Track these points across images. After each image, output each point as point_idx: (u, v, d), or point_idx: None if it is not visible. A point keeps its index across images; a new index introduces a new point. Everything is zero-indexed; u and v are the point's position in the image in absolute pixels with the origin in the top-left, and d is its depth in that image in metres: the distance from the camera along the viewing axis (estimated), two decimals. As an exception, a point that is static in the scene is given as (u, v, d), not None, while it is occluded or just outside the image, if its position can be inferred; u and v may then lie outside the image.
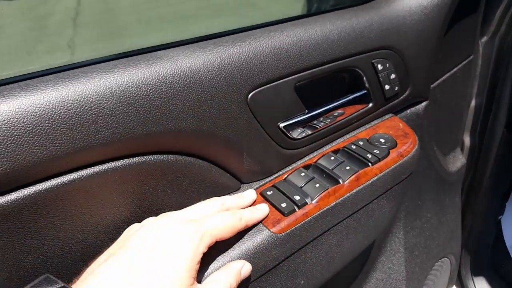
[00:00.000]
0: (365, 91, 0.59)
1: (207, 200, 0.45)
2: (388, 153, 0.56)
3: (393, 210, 0.62)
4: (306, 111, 0.54)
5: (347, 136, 0.61)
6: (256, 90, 0.47)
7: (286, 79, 0.50)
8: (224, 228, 0.40)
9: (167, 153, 0.43)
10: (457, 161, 0.86)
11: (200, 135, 0.44)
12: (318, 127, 0.56)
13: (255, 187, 0.52)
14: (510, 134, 0.92)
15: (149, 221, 0.41)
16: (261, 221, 0.46)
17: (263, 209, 0.47)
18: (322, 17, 0.55)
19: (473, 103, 0.92)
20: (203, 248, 0.38)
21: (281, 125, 0.52)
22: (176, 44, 0.46)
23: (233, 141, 0.47)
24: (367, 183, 0.53)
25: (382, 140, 0.58)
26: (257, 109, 0.48)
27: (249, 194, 0.49)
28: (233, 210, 0.44)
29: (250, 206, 0.48)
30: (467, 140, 0.96)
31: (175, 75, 0.42)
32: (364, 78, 0.58)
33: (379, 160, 0.55)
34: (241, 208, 0.46)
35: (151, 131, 0.40)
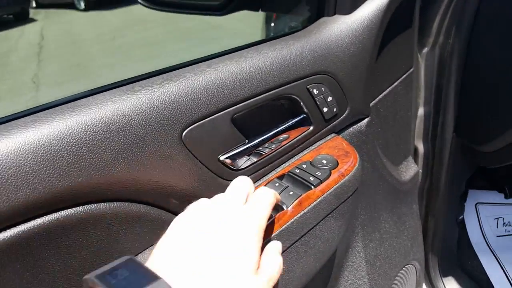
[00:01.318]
0: (304, 115, 0.61)
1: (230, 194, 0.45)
2: (330, 174, 0.58)
3: (343, 229, 0.64)
4: (246, 140, 0.56)
5: (292, 160, 0.62)
6: (191, 127, 0.49)
7: (222, 112, 0.51)
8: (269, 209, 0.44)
9: (98, 202, 0.43)
10: (410, 169, 0.89)
11: (132, 180, 0.44)
12: (264, 153, 0.58)
13: None
14: (459, 138, 0.96)
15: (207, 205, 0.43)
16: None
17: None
18: (255, 49, 0.57)
19: (421, 111, 0.96)
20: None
21: (222, 157, 0.53)
22: (103, 89, 0.47)
23: (170, 181, 0.48)
24: (310, 206, 0.54)
25: (324, 161, 0.60)
26: (194, 146, 0.49)
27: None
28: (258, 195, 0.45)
29: None
30: (420, 147, 1.00)
31: (99, 122, 0.42)
32: (302, 103, 0.60)
33: (321, 182, 0.56)
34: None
35: (76, 183, 0.41)
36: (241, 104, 0.53)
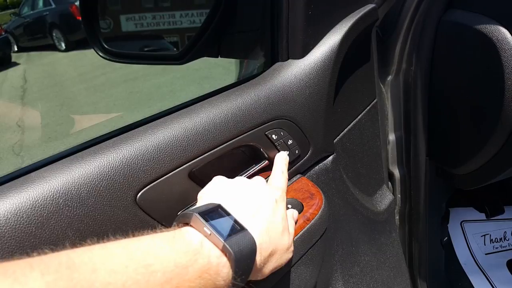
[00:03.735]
0: (267, 161, 0.61)
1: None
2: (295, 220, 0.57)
3: (315, 273, 0.62)
4: None
5: None
6: (145, 189, 0.48)
7: (177, 170, 0.51)
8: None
9: None
10: (385, 198, 0.89)
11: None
12: None
13: None
14: (432, 160, 0.96)
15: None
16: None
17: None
18: (207, 102, 0.57)
19: (393, 137, 0.96)
20: None
21: None
22: (51, 160, 0.46)
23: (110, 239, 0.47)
24: None
25: (289, 207, 0.59)
26: (150, 207, 0.48)
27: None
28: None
29: None
30: (396, 172, 0.99)
31: (47, 196, 0.41)
32: (262, 149, 0.60)
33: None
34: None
35: None
36: (197, 159, 0.52)
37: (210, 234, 0.39)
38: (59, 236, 0.41)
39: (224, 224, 0.41)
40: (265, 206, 0.47)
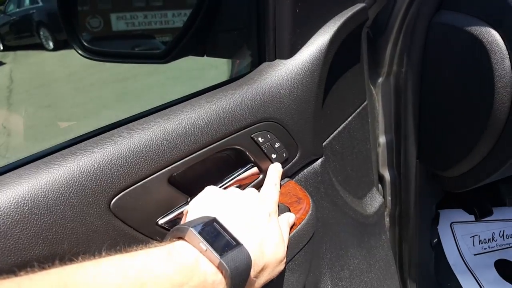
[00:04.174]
0: (252, 164, 0.59)
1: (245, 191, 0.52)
2: None
3: (302, 279, 0.61)
4: (189, 199, 0.53)
5: None
6: (120, 195, 0.45)
7: (156, 174, 0.48)
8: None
9: None
10: (374, 201, 0.87)
11: (56, 260, 0.41)
12: None
13: None
14: (422, 163, 0.95)
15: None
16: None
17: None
18: (190, 103, 0.55)
19: (383, 139, 0.95)
20: None
21: (161, 221, 0.50)
22: (16, 166, 0.43)
23: (102, 255, 0.44)
24: None
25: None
26: (126, 214, 0.46)
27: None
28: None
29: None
30: (386, 175, 0.98)
31: (11, 204, 0.39)
32: (248, 153, 0.58)
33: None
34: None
35: None
36: (178, 163, 0.50)
37: (206, 250, 0.38)
38: (25, 246, 0.39)
39: (220, 239, 0.40)
40: (259, 220, 0.47)
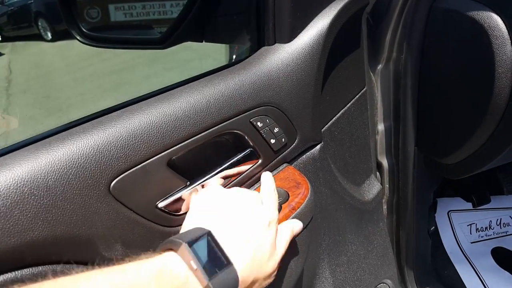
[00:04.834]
0: (251, 149, 0.59)
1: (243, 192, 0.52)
2: (280, 209, 0.56)
3: (300, 263, 0.61)
4: (188, 182, 0.53)
5: None
6: (119, 177, 0.46)
7: (155, 157, 0.49)
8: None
9: (19, 269, 0.40)
10: (373, 188, 0.88)
11: (56, 241, 0.41)
12: None
13: None
14: (420, 150, 0.95)
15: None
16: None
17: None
18: (189, 87, 0.55)
19: (382, 127, 0.95)
20: None
21: (160, 204, 0.50)
22: (15, 148, 0.44)
23: (101, 237, 0.45)
24: None
25: (280, 200, 0.57)
26: (126, 196, 0.46)
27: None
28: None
29: None
30: (384, 162, 0.99)
31: (11, 185, 0.39)
32: (246, 137, 0.58)
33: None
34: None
35: None
36: (177, 146, 0.51)
37: (196, 269, 0.39)
38: (25, 227, 0.40)
39: (211, 256, 0.40)
40: (256, 231, 0.46)
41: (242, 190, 0.52)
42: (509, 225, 1.27)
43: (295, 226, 0.54)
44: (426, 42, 0.83)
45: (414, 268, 1.07)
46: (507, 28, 0.68)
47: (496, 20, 0.69)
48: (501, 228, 1.27)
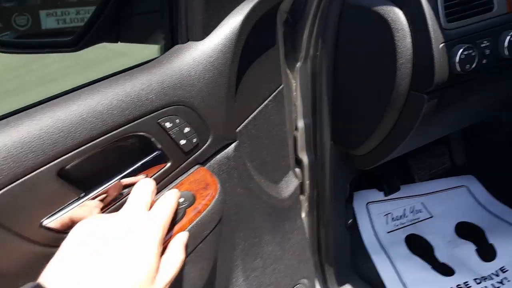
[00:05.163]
0: (159, 152, 0.55)
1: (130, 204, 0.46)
2: (184, 214, 0.52)
3: (207, 270, 0.59)
4: (83, 193, 0.48)
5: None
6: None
7: (42, 168, 0.43)
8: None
9: None
10: (290, 185, 0.88)
11: None
12: (108, 202, 0.51)
13: None
14: (336, 144, 0.97)
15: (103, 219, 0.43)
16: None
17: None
18: (90, 89, 0.50)
19: (301, 123, 0.96)
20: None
21: (46, 222, 0.45)
22: None
23: None
24: None
25: (182, 200, 0.54)
26: (4, 216, 0.41)
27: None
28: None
29: None
30: (305, 158, 0.99)
31: None
32: (153, 139, 0.54)
33: (175, 224, 0.51)
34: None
35: None
36: (70, 154, 0.45)
37: None
38: None
39: None
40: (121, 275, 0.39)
41: (123, 222, 0.43)
42: (420, 211, 1.34)
43: (182, 236, 0.49)
44: (339, 38, 0.85)
45: (333, 264, 1.09)
46: (407, 21, 0.71)
47: (397, 13, 0.72)
48: (414, 215, 1.33)
